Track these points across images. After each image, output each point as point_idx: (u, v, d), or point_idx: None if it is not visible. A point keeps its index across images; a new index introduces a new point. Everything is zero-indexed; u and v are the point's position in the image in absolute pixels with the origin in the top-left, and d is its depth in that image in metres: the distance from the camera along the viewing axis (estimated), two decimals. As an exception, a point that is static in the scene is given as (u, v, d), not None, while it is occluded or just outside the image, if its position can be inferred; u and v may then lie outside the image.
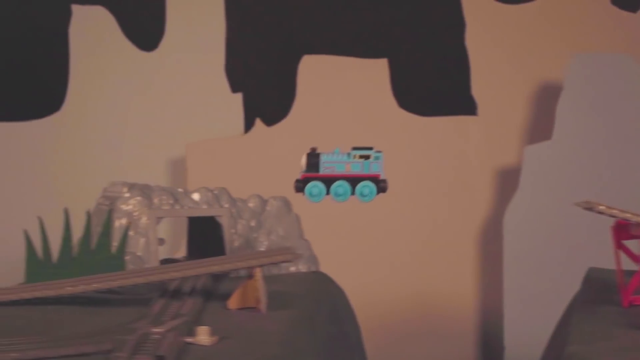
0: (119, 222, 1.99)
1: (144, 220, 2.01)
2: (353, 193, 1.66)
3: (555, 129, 2.88)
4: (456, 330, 3.09)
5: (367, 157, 1.67)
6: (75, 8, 3.18)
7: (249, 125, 3.18)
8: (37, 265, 1.83)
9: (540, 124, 3.02)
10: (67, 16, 3.18)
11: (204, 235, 2.16)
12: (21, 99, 3.21)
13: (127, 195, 2.02)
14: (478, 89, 3.11)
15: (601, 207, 1.64)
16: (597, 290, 1.90)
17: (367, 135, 3.12)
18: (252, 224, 2.15)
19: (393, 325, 3.09)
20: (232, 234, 2.11)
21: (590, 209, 1.65)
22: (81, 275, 1.79)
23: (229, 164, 3.13)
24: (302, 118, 3.13)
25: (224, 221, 2.10)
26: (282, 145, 3.11)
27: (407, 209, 3.10)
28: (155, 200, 2.04)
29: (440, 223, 3.11)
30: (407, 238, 3.11)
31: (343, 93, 3.14)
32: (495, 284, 3.02)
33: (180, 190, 2.10)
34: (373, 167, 1.67)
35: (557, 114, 2.87)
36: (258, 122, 3.14)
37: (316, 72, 3.12)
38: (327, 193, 1.65)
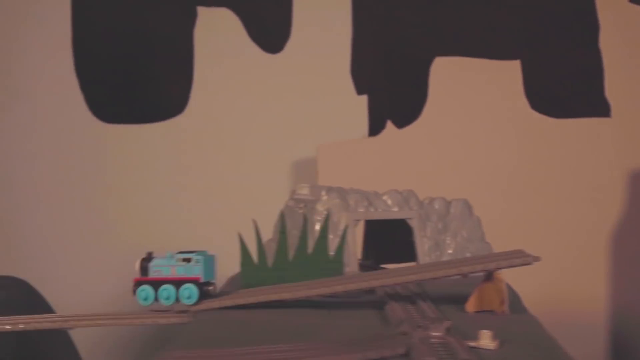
0: (317, 225, 1.98)
1: (342, 222, 2.00)
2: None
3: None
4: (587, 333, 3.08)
5: (188, 260, 1.71)
6: (201, 10, 3.18)
7: (374, 127, 3.17)
8: (252, 269, 1.82)
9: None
10: (192, 18, 3.17)
11: (392, 238, 2.15)
12: (145, 101, 3.21)
13: (325, 198, 2.01)
14: (612, 91, 3.09)
15: None
16: None
17: (498, 136, 3.11)
18: (439, 226, 2.14)
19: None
20: (422, 236, 2.10)
21: None
22: (297, 279, 1.78)
23: (359, 165, 3.12)
24: (433, 120, 3.12)
25: (415, 224, 2.09)
26: (412, 147, 3.10)
27: (540, 209, 3.08)
28: (351, 202, 2.03)
29: (573, 224, 3.09)
30: (539, 239, 3.09)
31: (475, 95, 3.12)
32: (629, 285, 3.00)
33: (371, 192, 2.09)
34: (194, 270, 1.70)
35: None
36: (389, 124, 3.13)
37: (448, 74, 3.11)
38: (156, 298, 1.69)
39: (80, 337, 2.69)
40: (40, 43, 3.19)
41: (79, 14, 3.17)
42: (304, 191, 2.07)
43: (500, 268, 1.68)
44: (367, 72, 3.18)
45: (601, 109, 3.09)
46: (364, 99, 3.19)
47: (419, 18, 3.13)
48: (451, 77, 3.10)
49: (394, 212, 2.07)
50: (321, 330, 1.50)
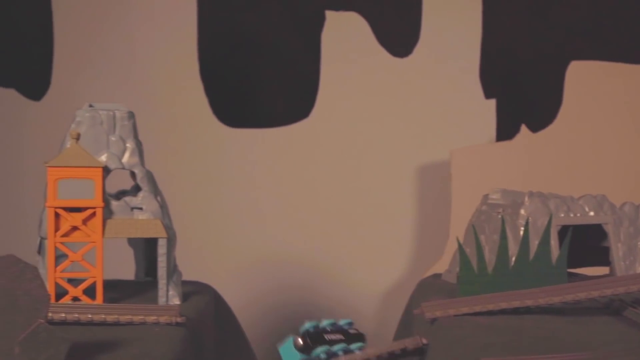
0: (521, 231, 1.97)
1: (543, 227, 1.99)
2: None
3: None
4: None
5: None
6: (329, 14, 3.17)
7: (502, 131, 3.15)
8: (471, 275, 1.81)
9: None
10: (320, 22, 3.17)
11: (583, 243, 2.14)
12: (270, 105, 3.20)
13: (527, 203, 2.00)
14: None
15: None
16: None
17: (633, 140, 3.09)
18: (631, 230, 2.12)
19: None
20: (617, 241, 2.08)
21: None
22: (518, 286, 1.76)
23: (493, 169, 3.11)
24: (567, 124, 3.10)
25: (610, 229, 2.08)
26: (548, 151, 3.09)
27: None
28: (552, 207, 2.02)
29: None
30: None
31: (610, 99, 3.10)
32: None
33: (568, 196, 2.08)
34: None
35: None
36: (523, 128, 3.12)
37: (584, 78, 3.09)
38: None
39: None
40: (166, 45, 3.19)
41: (203, 18, 3.17)
42: (497, 196, 2.05)
43: None
44: (496, 76, 3.16)
45: None
46: (492, 103, 3.17)
47: (552, 21, 3.11)
48: (586, 81, 3.09)
49: (591, 217, 2.05)
50: (571, 336, 1.49)
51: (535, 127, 3.11)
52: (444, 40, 3.18)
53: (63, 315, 1.57)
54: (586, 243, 2.12)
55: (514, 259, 1.84)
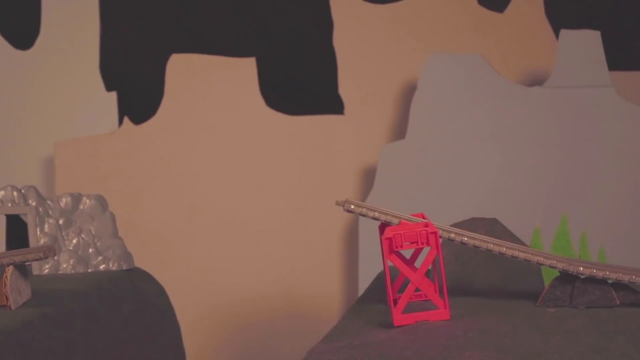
0: None
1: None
2: None
3: (409, 128, 2.89)
4: (321, 329, 3.09)
5: None
6: None
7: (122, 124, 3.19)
8: None
9: (404, 123, 3.02)
10: None
11: (16, 233, 2.17)
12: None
13: None
14: (345, 89, 3.12)
15: (351, 206, 1.65)
16: (380, 288, 1.90)
17: (235, 133, 3.13)
18: (61, 222, 2.16)
19: (258, 325, 3.10)
20: (39, 232, 2.12)
21: (343, 207, 1.66)
22: None
23: (99, 161, 3.14)
24: (169, 117, 3.14)
25: (29, 219, 2.11)
26: (152, 143, 3.12)
27: (274, 208, 3.11)
28: None
29: (306, 223, 3.11)
30: (274, 238, 3.12)
31: (211, 92, 3.14)
32: (354, 284, 3.04)
33: (-16, 188, 2.11)
34: None
35: (411, 113, 2.88)
36: (126, 121, 3.15)
37: (184, 71, 3.13)
38: None
39: None
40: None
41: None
42: None
43: (15, 263, 1.70)
44: (116, 69, 3.20)
45: (335, 106, 3.12)
46: (113, 95, 3.20)
47: (156, 16, 3.15)
48: (187, 73, 3.12)
49: (6, 208, 2.09)
50: None
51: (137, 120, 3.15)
52: (64, 33, 3.22)
53: None
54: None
55: None
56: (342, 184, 3.11)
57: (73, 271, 2.13)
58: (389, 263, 1.62)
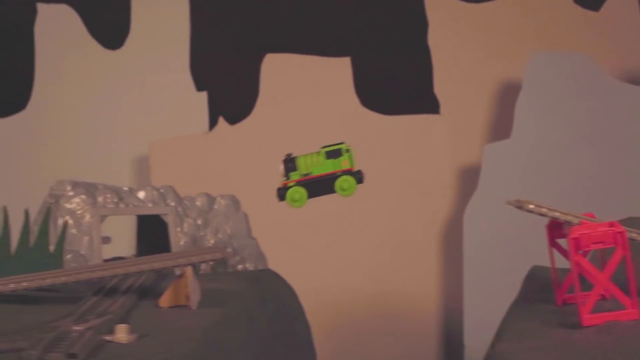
0: (62, 221, 1.99)
1: (87, 218, 2.01)
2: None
3: (514, 128, 2.88)
4: (417, 330, 3.09)
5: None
6: (40, 6, 3.19)
7: (212, 124, 3.18)
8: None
9: (503, 122, 3.02)
10: (32, 15, 3.18)
11: (151, 234, 2.17)
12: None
13: (70, 193, 2.03)
14: (441, 88, 3.11)
15: (530, 206, 1.65)
16: (536, 288, 1.90)
17: (331, 133, 3.12)
18: (199, 222, 2.15)
19: (354, 324, 3.10)
20: (178, 232, 2.12)
21: (520, 207, 1.65)
22: (18, 273, 1.79)
23: (194, 161, 3.14)
24: (265, 117, 3.14)
25: (170, 219, 2.11)
26: (248, 143, 3.12)
27: (368, 209, 3.10)
28: (100, 199, 2.04)
29: (402, 222, 3.11)
30: (369, 237, 3.11)
31: (306, 92, 3.14)
32: (457, 283, 3.02)
33: (125, 188, 2.10)
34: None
35: (516, 113, 2.87)
36: (221, 121, 3.15)
37: (279, 71, 3.13)
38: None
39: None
40: None
41: None
42: (59, 186, 2.08)
43: (192, 263, 1.70)
44: (206, 69, 3.19)
45: (431, 105, 3.12)
46: (203, 95, 3.20)
47: (249, 15, 3.14)
48: (283, 74, 3.12)
49: (147, 208, 2.09)
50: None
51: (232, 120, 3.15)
52: (154, 33, 3.21)
53: None
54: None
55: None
56: (438, 184, 3.10)
57: (212, 271, 2.12)
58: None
